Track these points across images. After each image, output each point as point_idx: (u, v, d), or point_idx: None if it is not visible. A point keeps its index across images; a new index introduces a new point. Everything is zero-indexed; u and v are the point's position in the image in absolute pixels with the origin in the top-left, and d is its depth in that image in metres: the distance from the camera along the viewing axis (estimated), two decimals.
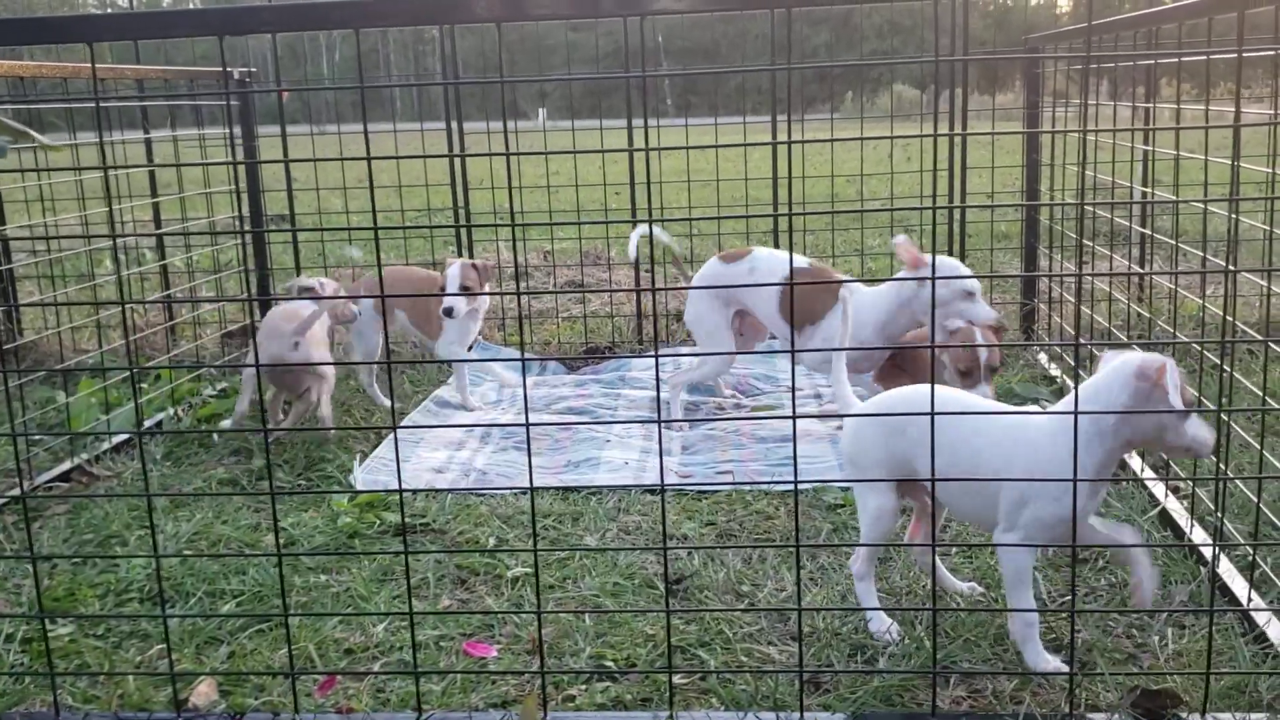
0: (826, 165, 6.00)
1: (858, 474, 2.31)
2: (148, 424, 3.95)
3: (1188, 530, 2.66)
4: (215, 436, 3.80)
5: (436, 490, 3.26)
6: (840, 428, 3.62)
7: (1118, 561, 2.53)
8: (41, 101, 4.40)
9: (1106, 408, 1.97)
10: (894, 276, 3.73)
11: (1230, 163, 1.95)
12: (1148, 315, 3.45)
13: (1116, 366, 2.01)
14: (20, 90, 4.27)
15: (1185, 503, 2.81)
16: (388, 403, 4.23)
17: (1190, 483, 2.86)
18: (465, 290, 3.89)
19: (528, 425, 1.84)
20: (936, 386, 1.96)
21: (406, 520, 3.03)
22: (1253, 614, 2.27)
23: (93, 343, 4.86)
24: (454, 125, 4.59)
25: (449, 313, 3.89)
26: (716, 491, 3.18)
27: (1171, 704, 2.00)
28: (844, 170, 6.24)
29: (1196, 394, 2.40)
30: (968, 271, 3.43)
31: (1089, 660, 2.19)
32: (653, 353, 4.85)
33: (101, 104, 4.34)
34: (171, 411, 4.07)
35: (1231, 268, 1.89)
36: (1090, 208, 4.08)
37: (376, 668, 2.30)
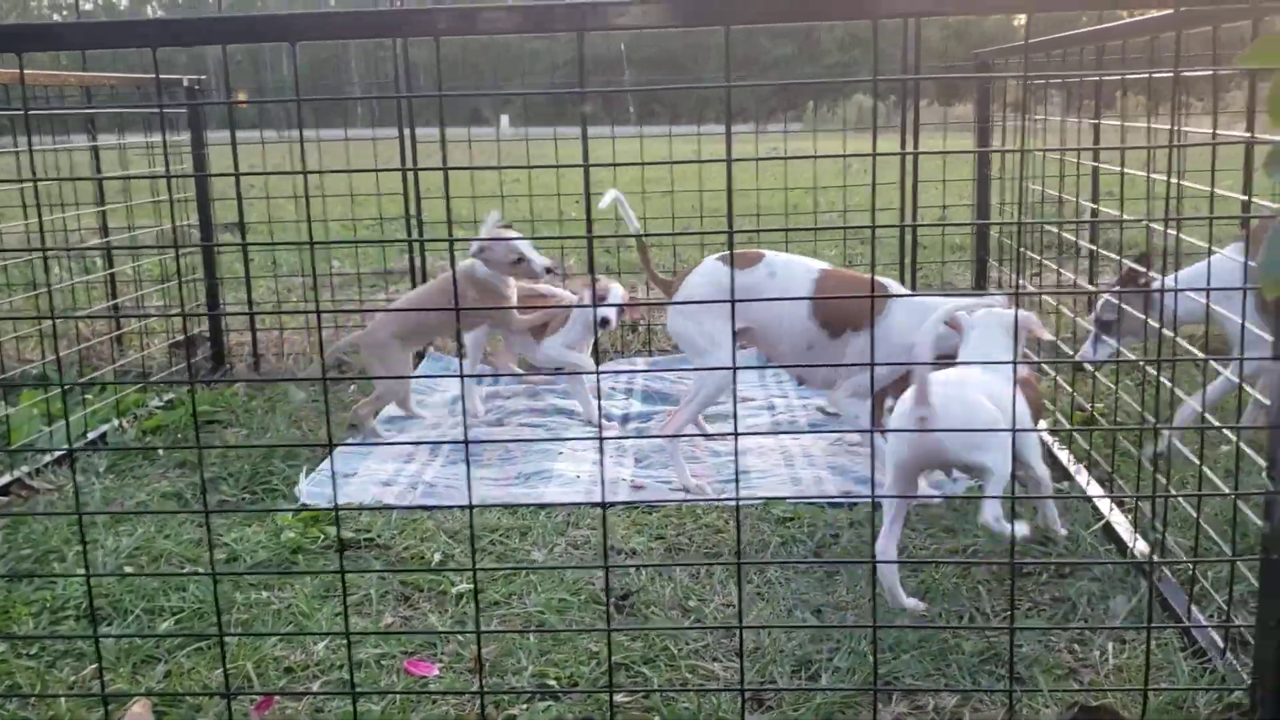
0: (786, 176, 6.03)
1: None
2: (92, 436, 3.88)
3: (1131, 544, 2.68)
4: (160, 451, 3.74)
5: (373, 507, 3.22)
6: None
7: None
8: None
9: None
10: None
11: (1165, 179, 1.97)
12: (1091, 329, 3.48)
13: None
14: None
15: (1130, 516, 2.84)
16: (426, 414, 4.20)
17: (1135, 497, 2.88)
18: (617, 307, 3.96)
19: (466, 443, 1.82)
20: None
21: (351, 535, 3.00)
22: (1192, 629, 2.29)
23: (37, 353, 4.77)
24: (407, 133, 4.56)
25: (605, 323, 3.94)
26: (667, 504, 3.17)
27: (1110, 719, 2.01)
28: (803, 180, 6.26)
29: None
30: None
31: (1029, 676, 2.19)
32: (603, 368, 4.82)
33: (37, 112, 4.27)
34: (117, 423, 4.01)
35: (1169, 287, 1.91)
36: (1039, 221, 4.11)
37: (315, 687, 2.26)
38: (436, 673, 2.31)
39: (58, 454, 3.66)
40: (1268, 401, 1.92)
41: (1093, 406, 3.46)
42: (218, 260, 4.93)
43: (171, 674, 2.31)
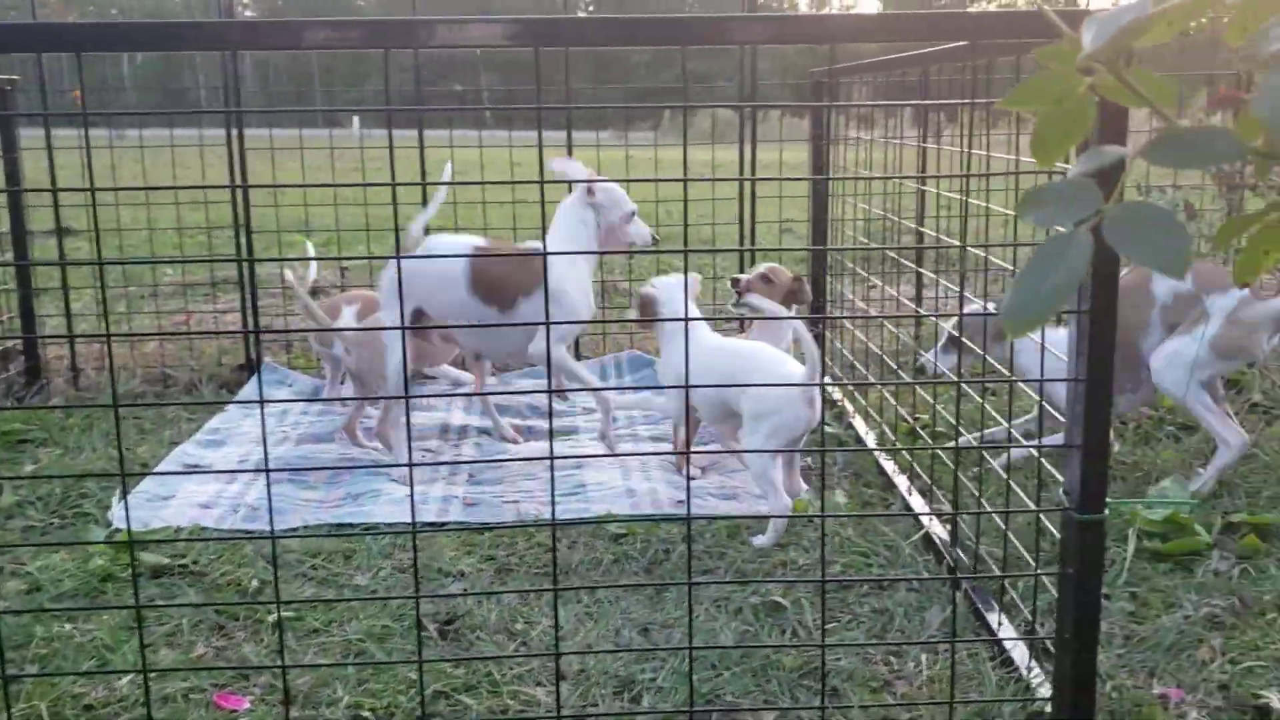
0: (637, 188, 6.04)
1: None
2: None
3: (947, 556, 2.76)
4: None
5: (186, 540, 3.09)
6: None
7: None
8: None
9: None
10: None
11: (961, 198, 2.02)
12: (913, 344, 3.58)
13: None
14: None
15: (948, 528, 2.92)
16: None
17: (936, 513, 2.97)
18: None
19: (268, 470, 1.75)
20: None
21: (166, 561, 2.86)
22: (1001, 640, 2.37)
23: None
24: (233, 133, 4.39)
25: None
26: (474, 527, 3.12)
27: None
28: (652, 194, 6.28)
29: None
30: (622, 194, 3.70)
31: (845, 689, 2.23)
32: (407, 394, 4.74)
33: None
34: None
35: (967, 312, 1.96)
36: (844, 249, 4.21)
37: None
38: (247, 705, 2.22)
39: None
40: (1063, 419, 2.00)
41: (915, 419, 3.55)
42: (33, 270, 4.67)
43: None
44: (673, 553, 2.93)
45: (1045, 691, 2.13)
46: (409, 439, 1.93)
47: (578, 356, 4.59)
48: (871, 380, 3.95)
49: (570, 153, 4.23)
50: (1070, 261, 0.92)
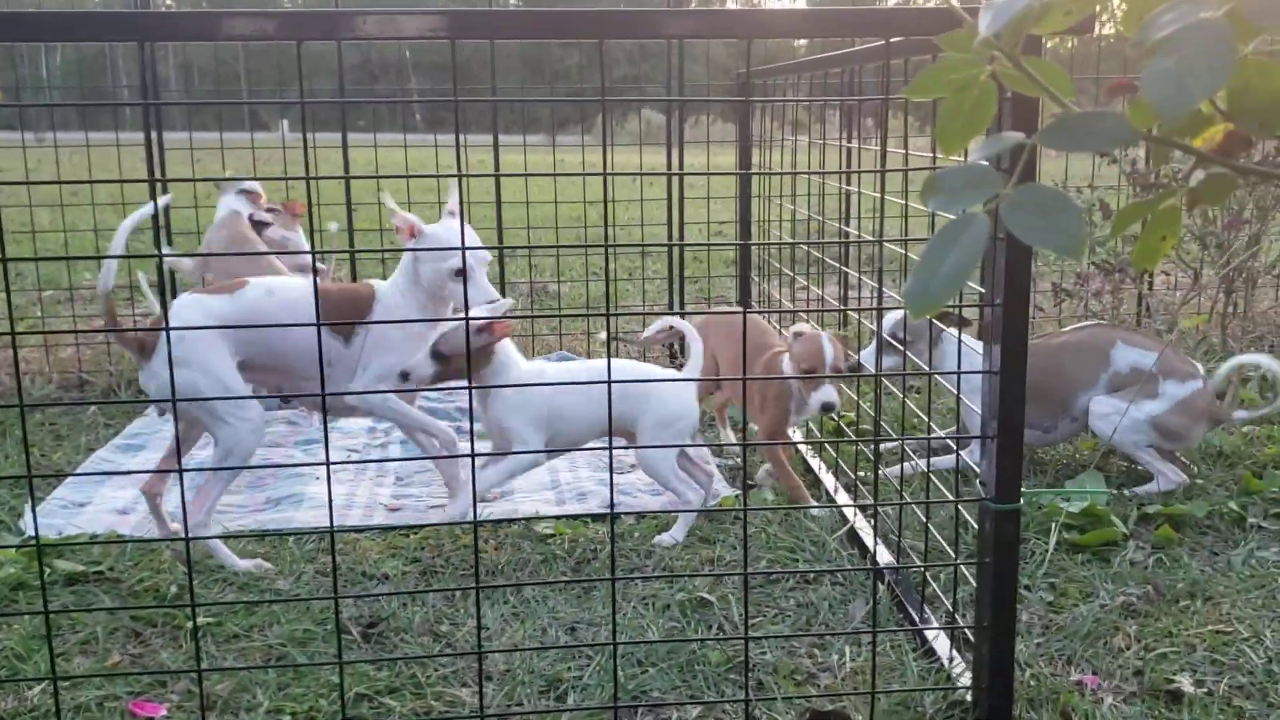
0: (565, 188, 6.05)
1: None
2: None
3: (871, 548, 2.79)
4: None
5: (102, 542, 3.02)
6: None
7: None
8: None
9: None
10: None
11: (879, 198, 2.05)
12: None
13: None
14: None
15: (873, 521, 2.95)
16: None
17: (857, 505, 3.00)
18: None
19: (180, 471, 1.71)
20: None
21: (80, 569, 2.78)
22: (924, 631, 2.40)
23: None
24: (153, 137, 4.31)
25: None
26: (426, 525, 3.09)
27: None
28: (580, 195, 6.28)
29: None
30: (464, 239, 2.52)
31: (770, 683, 2.24)
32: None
33: None
34: None
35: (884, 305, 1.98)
36: (799, 240, 4.25)
37: None
38: (164, 713, 2.17)
39: None
40: (978, 411, 2.03)
41: (840, 417, 3.59)
42: None
43: None
44: (600, 552, 2.93)
45: (966, 680, 2.16)
46: (325, 438, 1.90)
47: None
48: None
49: (496, 156, 4.22)
50: (968, 242, 0.93)
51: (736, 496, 3.27)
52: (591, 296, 5.70)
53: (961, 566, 2.23)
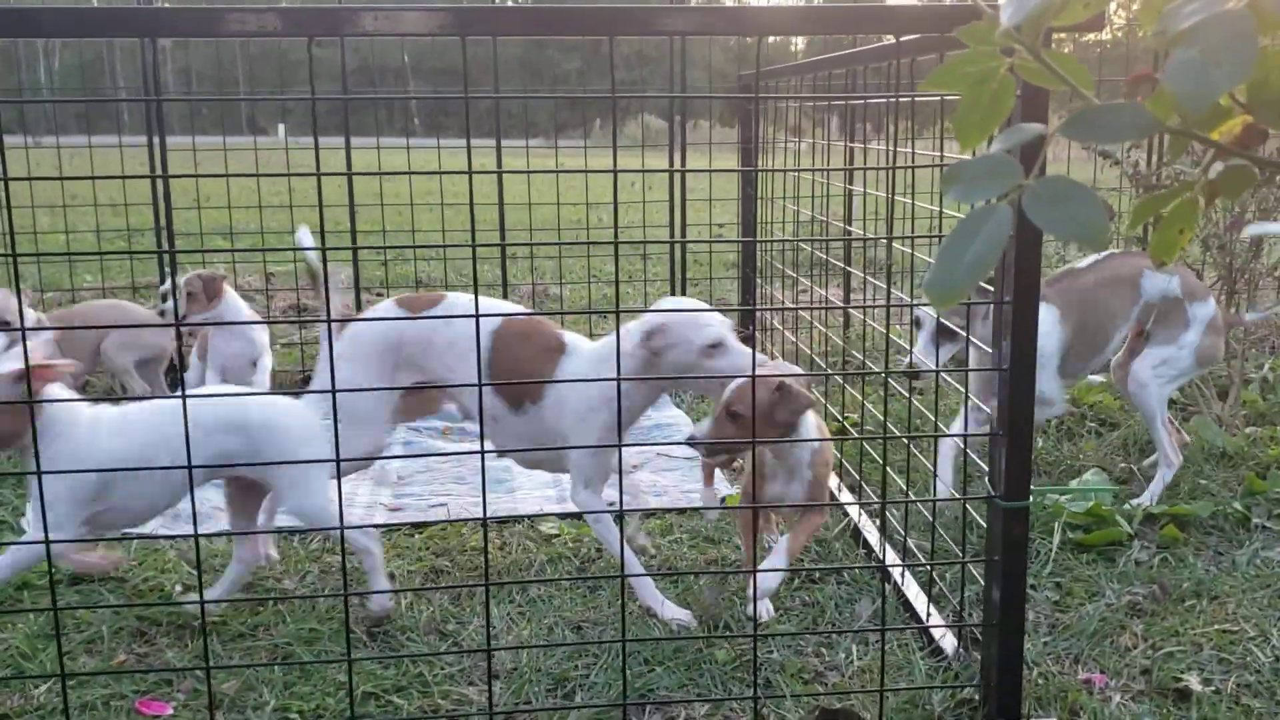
0: (565, 193, 6.04)
1: None
2: None
3: (876, 548, 2.79)
4: None
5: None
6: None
7: None
8: None
9: None
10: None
11: (887, 197, 2.05)
12: (841, 344, 3.61)
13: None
14: None
15: (877, 521, 2.95)
16: None
17: (862, 504, 3.00)
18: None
19: (190, 468, 1.71)
20: None
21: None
22: (931, 629, 2.40)
23: None
24: (155, 140, 4.31)
25: None
26: (430, 525, 3.09)
27: None
28: (581, 198, 6.29)
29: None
30: (707, 315, 2.54)
31: (777, 681, 2.24)
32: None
33: None
34: None
35: (896, 301, 1.98)
36: (802, 242, 4.26)
37: None
38: (170, 711, 2.16)
39: None
40: (987, 410, 2.03)
41: (844, 416, 3.59)
42: None
43: None
44: (605, 551, 2.92)
45: (974, 679, 2.16)
46: (336, 437, 1.90)
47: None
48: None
49: (499, 155, 4.22)
50: (991, 233, 0.93)
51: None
52: (593, 298, 5.70)
53: (969, 565, 2.23)
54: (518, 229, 5.87)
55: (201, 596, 1.76)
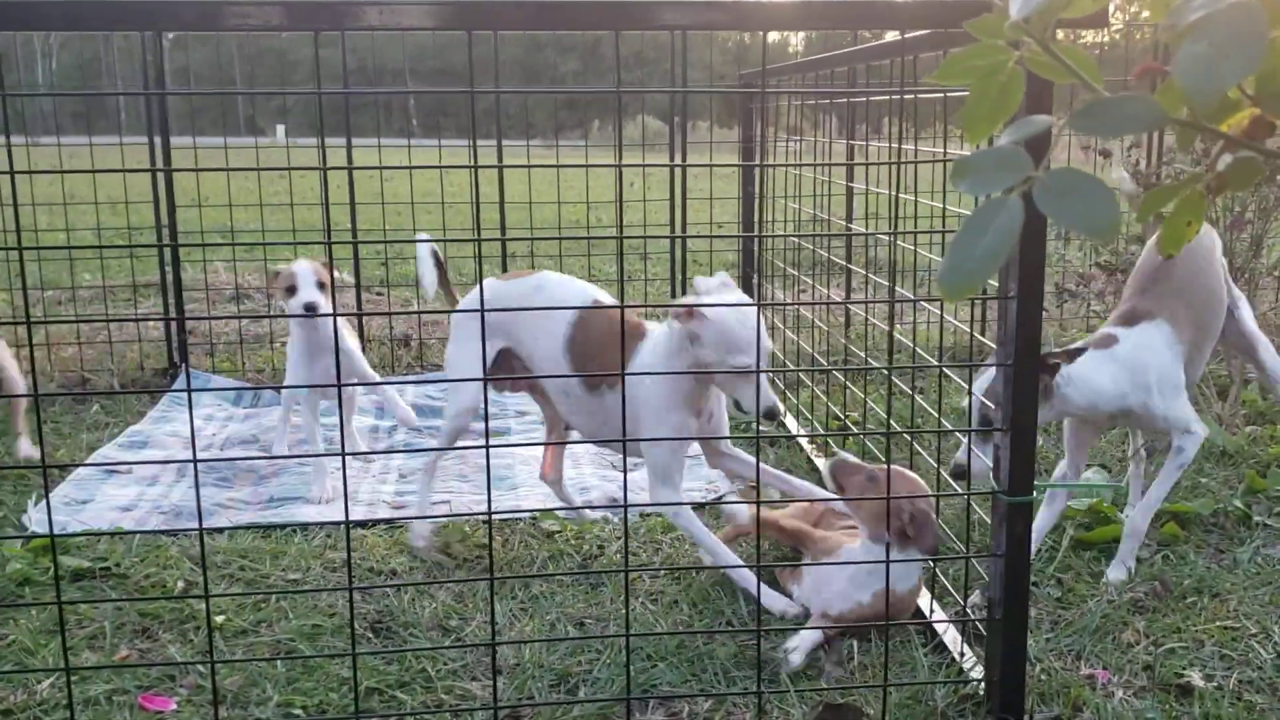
0: (565, 193, 6.04)
1: None
2: None
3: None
4: None
5: (98, 533, 3.01)
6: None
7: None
8: None
9: None
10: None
11: (890, 194, 2.05)
12: (844, 342, 3.62)
13: None
14: None
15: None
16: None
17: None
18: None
19: (195, 461, 1.71)
20: None
21: (86, 564, 2.78)
22: (934, 625, 2.40)
23: None
24: (157, 140, 4.30)
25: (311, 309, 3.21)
26: (434, 522, 3.09)
27: (854, 717, 2.07)
28: (581, 198, 6.29)
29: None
30: (748, 338, 2.45)
31: (778, 677, 2.24)
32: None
33: None
34: None
35: (899, 297, 1.98)
36: (798, 240, 4.26)
37: None
38: (174, 707, 2.16)
39: None
40: (993, 405, 2.03)
41: (846, 415, 3.59)
42: None
43: None
44: (607, 548, 2.93)
45: (978, 674, 2.17)
46: (343, 430, 1.90)
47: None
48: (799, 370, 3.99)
49: (500, 153, 4.22)
50: (1002, 226, 0.93)
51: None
52: None
53: (973, 561, 2.24)
54: (518, 228, 5.88)
55: (207, 591, 1.76)
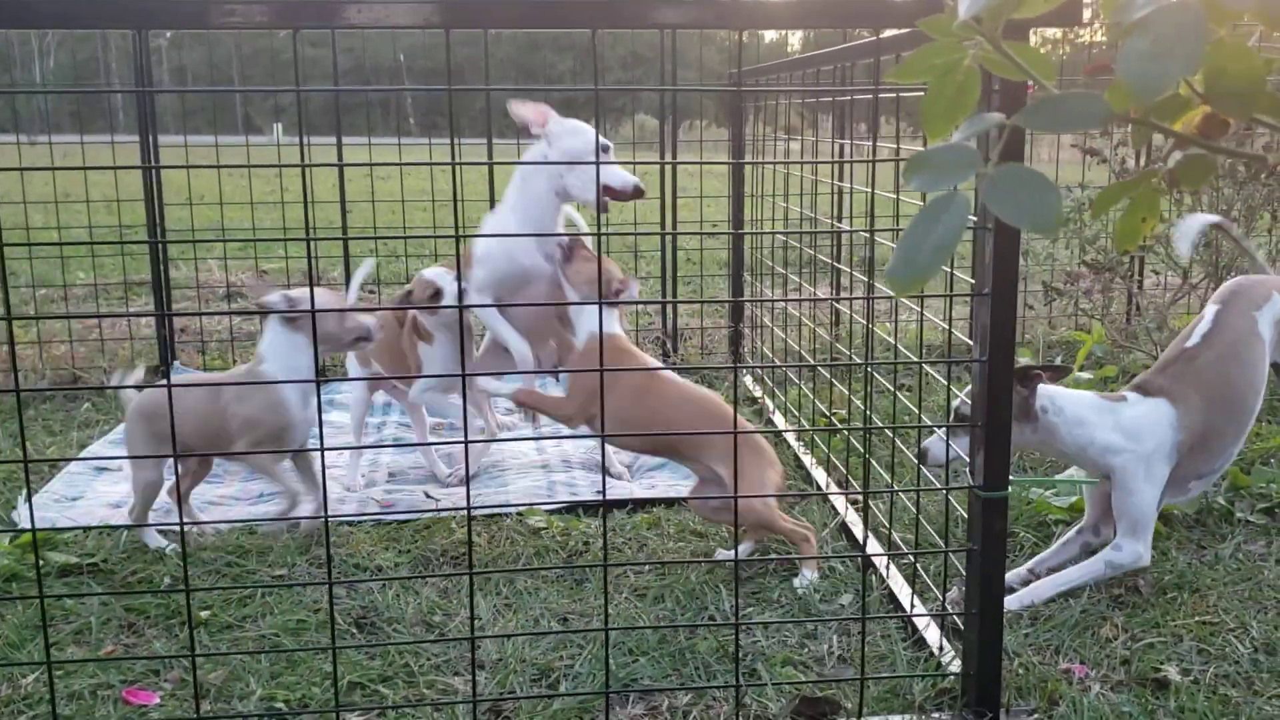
0: None
1: None
2: None
3: (861, 538, 2.81)
4: None
5: (80, 527, 3.03)
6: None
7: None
8: None
9: None
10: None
11: (868, 192, 2.06)
12: (830, 340, 3.64)
13: None
14: None
15: (862, 514, 2.97)
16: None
17: (863, 496, 3.02)
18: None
19: (175, 456, 1.73)
20: None
21: (74, 560, 2.80)
22: (914, 619, 2.42)
23: None
24: (150, 139, 4.32)
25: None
26: (418, 518, 3.11)
27: (830, 710, 2.09)
28: None
29: None
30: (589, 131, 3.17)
31: (758, 670, 2.26)
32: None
33: None
34: None
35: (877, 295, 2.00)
36: (785, 238, 4.28)
37: None
38: (157, 700, 2.18)
39: None
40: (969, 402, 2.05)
41: (832, 412, 3.61)
42: None
43: None
44: (592, 545, 2.95)
45: (956, 668, 2.18)
46: (320, 425, 1.92)
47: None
48: (784, 367, 4.00)
49: (490, 151, 4.23)
50: (949, 220, 0.95)
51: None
52: None
53: (951, 556, 2.25)
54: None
55: (187, 586, 1.78)
